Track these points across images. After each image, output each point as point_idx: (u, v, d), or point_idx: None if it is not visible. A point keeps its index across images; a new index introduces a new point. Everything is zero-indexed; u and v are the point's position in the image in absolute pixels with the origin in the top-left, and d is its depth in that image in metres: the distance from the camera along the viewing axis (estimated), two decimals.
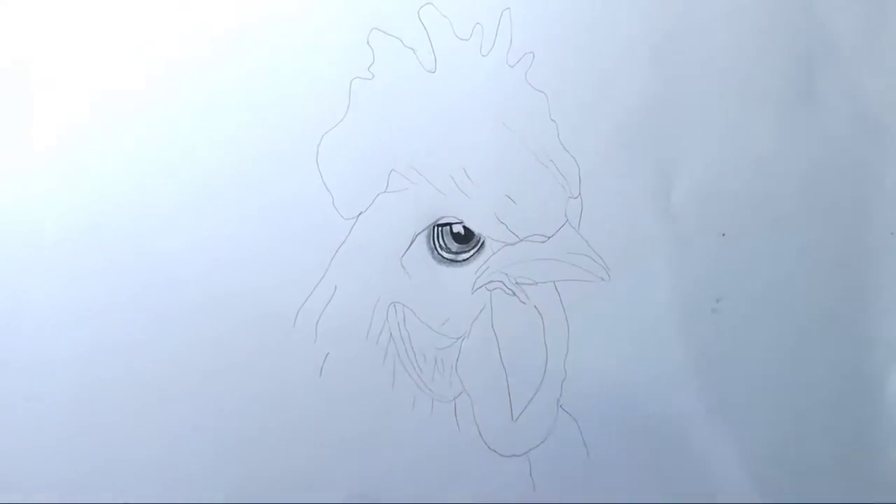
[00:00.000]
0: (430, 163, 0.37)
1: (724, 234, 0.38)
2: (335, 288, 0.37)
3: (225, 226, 0.37)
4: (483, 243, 0.37)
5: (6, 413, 0.37)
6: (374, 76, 0.37)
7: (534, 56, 0.37)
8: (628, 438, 0.38)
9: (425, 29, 0.37)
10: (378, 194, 0.37)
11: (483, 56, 0.37)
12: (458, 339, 0.38)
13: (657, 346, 0.38)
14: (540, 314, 0.38)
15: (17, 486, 0.37)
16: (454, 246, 0.37)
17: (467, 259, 0.38)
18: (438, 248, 0.37)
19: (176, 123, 0.37)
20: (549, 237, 0.37)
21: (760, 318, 0.38)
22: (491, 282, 0.38)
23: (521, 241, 0.37)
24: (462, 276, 0.38)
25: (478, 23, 0.37)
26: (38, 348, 0.37)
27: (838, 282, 0.38)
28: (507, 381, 0.38)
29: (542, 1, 0.37)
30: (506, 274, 0.38)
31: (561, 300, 0.38)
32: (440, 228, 0.37)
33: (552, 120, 0.37)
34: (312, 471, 0.38)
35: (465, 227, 0.37)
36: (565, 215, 0.37)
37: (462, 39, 0.37)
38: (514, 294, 0.38)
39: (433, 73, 0.37)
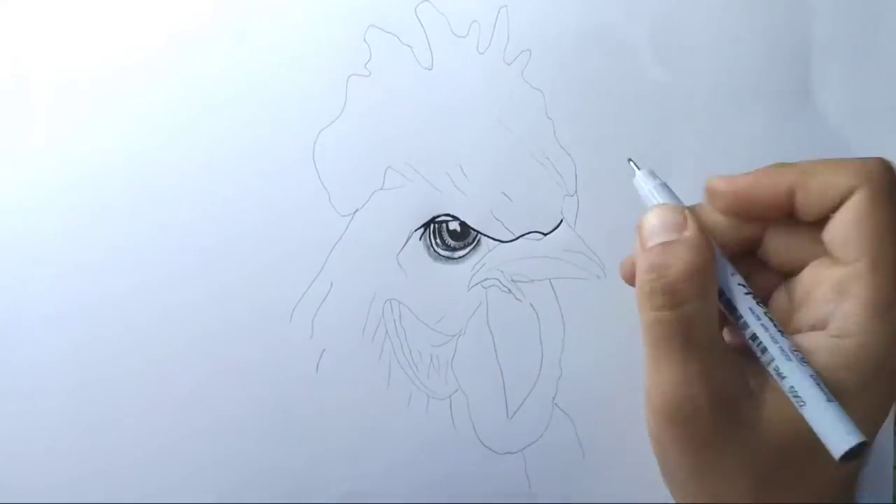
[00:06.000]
0: (426, 160, 0.37)
1: None
2: (331, 284, 0.37)
3: (221, 222, 0.37)
4: (479, 241, 0.38)
5: (5, 413, 0.37)
6: (370, 73, 0.37)
7: (530, 54, 0.37)
8: (624, 437, 0.38)
9: (422, 26, 0.37)
10: (374, 191, 0.37)
11: (480, 53, 0.37)
12: (454, 336, 0.38)
13: None
14: (536, 312, 0.38)
15: (16, 486, 0.37)
16: (450, 243, 0.37)
17: (463, 256, 0.38)
18: (434, 246, 0.37)
19: (172, 120, 0.37)
20: (546, 235, 0.38)
21: None
22: (487, 279, 0.38)
23: (517, 238, 0.37)
24: (458, 274, 0.38)
25: (475, 20, 0.37)
26: (34, 347, 0.37)
27: None
28: (503, 378, 0.38)
29: None
30: (502, 271, 0.38)
31: (557, 298, 0.38)
32: (436, 225, 0.37)
33: (549, 118, 0.37)
34: (308, 467, 0.38)
35: (461, 225, 0.37)
36: (561, 213, 0.38)
37: (459, 37, 0.37)
38: (510, 292, 0.38)
39: (430, 70, 0.37)
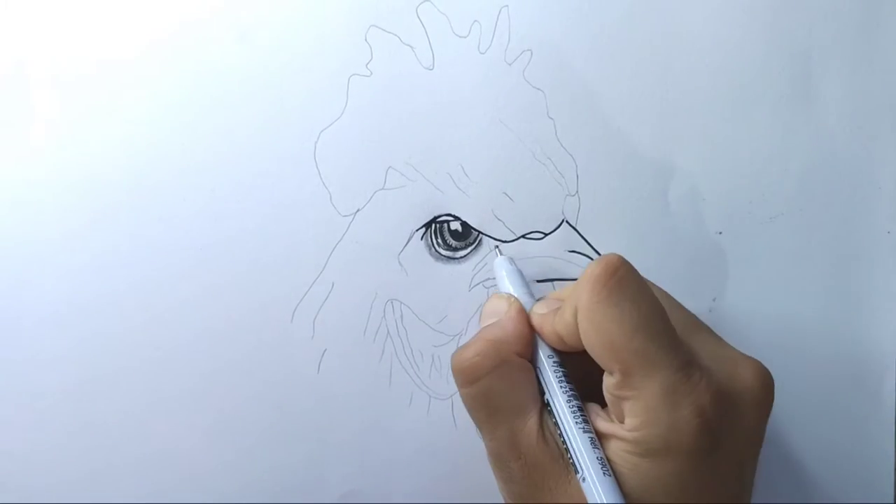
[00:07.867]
0: (427, 160, 0.37)
1: (720, 233, 0.38)
2: (332, 284, 0.37)
3: (222, 221, 0.37)
4: (480, 241, 0.38)
5: (5, 413, 0.37)
6: (372, 73, 0.37)
7: (532, 54, 0.37)
8: None
9: (423, 26, 0.37)
10: (375, 191, 0.37)
11: (481, 53, 0.37)
12: (456, 336, 0.38)
13: None
14: None
15: (16, 486, 0.37)
16: (452, 243, 0.37)
17: (465, 256, 0.38)
18: (436, 246, 0.37)
19: (173, 119, 0.37)
20: (547, 234, 0.38)
21: (757, 317, 0.38)
22: (488, 279, 0.38)
23: (518, 238, 0.38)
24: (459, 274, 0.38)
25: (476, 20, 0.37)
26: (34, 347, 0.37)
27: (834, 280, 0.39)
28: None
29: None
30: None
31: None
32: (437, 225, 0.37)
33: (550, 117, 0.37)
34: (308, 467, 0.38)
35: (462, 224, 0.37)
36: (563, 213, 0.38)
37: (460, 37, 0.37)
38: None
39: (431, 70, 0.37)
